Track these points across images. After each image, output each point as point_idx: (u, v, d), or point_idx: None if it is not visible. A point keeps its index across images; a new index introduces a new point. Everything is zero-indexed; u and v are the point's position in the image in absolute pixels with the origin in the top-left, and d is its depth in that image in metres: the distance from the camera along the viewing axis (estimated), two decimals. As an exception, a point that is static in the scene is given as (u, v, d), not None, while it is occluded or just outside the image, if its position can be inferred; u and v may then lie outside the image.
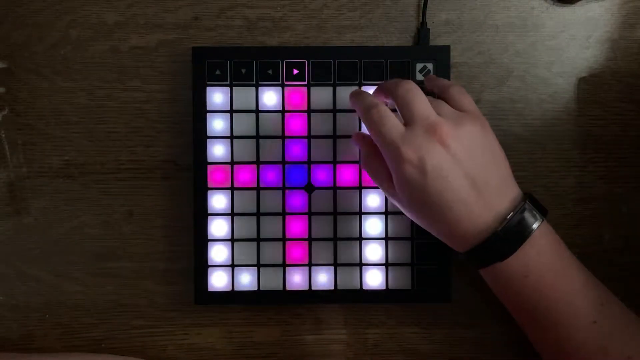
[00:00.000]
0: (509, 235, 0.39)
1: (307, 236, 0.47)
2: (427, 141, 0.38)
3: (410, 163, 0.38)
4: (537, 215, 0.39)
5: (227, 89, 0.47)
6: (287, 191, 0.47)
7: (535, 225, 0.39)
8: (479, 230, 0.39)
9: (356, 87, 0.47)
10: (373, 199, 0.47)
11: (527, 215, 0.39)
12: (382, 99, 0.43)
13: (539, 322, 0.41)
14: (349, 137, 0.47)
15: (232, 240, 0.47)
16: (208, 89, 0.47)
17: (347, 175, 0.47)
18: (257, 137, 0.47)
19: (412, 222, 0.47)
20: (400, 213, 0.47)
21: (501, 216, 0.39)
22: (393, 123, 0.39)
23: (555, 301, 0.39)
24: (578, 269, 0.41)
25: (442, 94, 0.42)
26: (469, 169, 0.38)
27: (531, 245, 0.39)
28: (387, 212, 0.47)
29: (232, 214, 0.47)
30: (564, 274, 0.40)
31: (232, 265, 0.47)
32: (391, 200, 0.43)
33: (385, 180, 0.41)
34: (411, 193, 0.39)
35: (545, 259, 0.39)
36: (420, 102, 0.39)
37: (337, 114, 0.47)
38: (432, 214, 0.40)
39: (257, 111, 0.47)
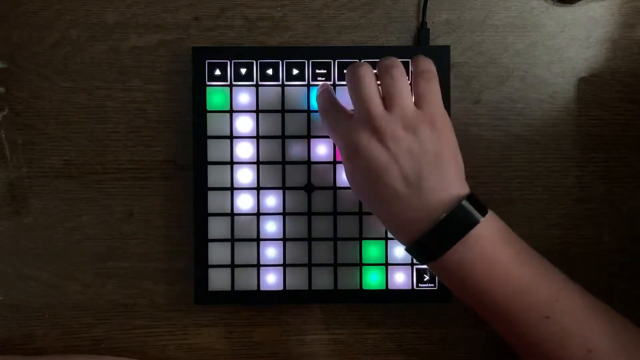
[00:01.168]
0: (440, 236, 0.39)
1: (307, 236, 0.47)
2: (367, 137, 0.40)
3: (349, 158, 0.41)
4: (473, 217, 0.39)
5: (227, 89, 0.47)
6: (287, 191, 0.47)
7: (469, 226, 0.38)
8: (414, 229, 0.39)
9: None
10: (373, 199, 0.47)
11: (461, 217, 0.38)
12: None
13: (492, 317, 0.41)
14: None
15: (232, 240, 0.47)
16: (208, 89, 0.47)
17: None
18: (257, 137, 0.47)
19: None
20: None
21: (434, 217, 0.39)
22: (340, 114, 0.42)
23: (502, 299, 0.39)
24: (528, 266, 0.40)
25: (413, 79, 0.41)
26: (405, 168, 0.39)
27: (465, 246, 0.38)
28: (387, 212, 0.47)
29: (232, 214, 0.47)
30: (508, 273, 0.39)
31: (232, 265, 0.47)
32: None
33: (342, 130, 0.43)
34: (353, 185, 0.42)
35: (484, 259, 0.39)
36: (365, 96, 0.40)
37: (337, 114, 0.47)
38: (374, 208, 0.42)
39: (257, 111, 0.47)
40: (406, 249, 0.41)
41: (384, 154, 0.39)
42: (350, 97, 0.41)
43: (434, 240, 0.39)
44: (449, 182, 0.40)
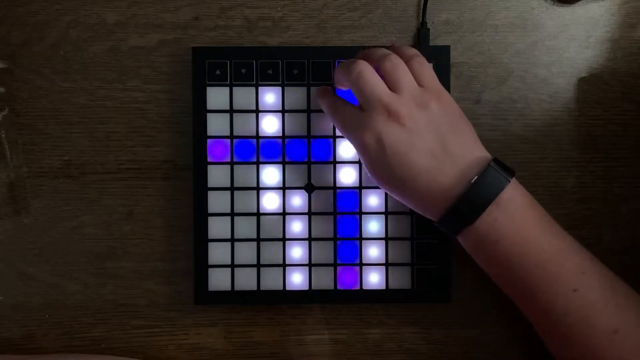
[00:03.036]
0: (474, 197, 0.39)
1: (307, 236, 0.47)
2: (384, 122, 0.40)
3: (370, 146, 0.40)
4: (503, 177, 0.40)
5: (227, 89, 0.47)
6: (287, 191, 0.47)
7: (501, 187, 0.39)
8: (446, 198, 0.40)
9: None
10: (373, 199, 0.47)
11: (491, 177, 0.39)
12: (337, 86, 0.45)
13: (518, 289, 0.41)
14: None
15: (232, 240, 0.47)
16: (208, 89, 0.47)
17: (347, 175, 0.47)
18: (257, 137, 0.47)
19: (412, 222, 0.47)
20: (401, 213, 0.47)
21: (467, 181, 0.40)
22: (350, 110, 0.42)
23: (531, 267, 0.39)
24: (556, 234, 0.41)
25: (407, 64, 0.42)
26: (428, 142, 0.40)
27: (498, 208, 0.39)
28: (387, 212, 0.47)
29: (232, 214, 0.47)
30: (538, 239, 0.40)
31: (232, 265, 0.47)
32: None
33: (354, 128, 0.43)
34: (378, 173, 0.41)
35: (515, 222, 0.40)
36: (372, 84, 0.40)
37: (337, 114, 0.47)
38: (400, 188, 0.41)
39: (257, 111, 0.47)
40: (438, 222, 0.41)
41: (404, 133, 0.40)
42: (355, 92, 0.41)
43: (469, 203, 0.39)
44: (472, 146, 0.41)
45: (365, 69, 0.41)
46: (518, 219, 0.40)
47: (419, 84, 0.41)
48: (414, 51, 0.43)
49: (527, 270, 0.40)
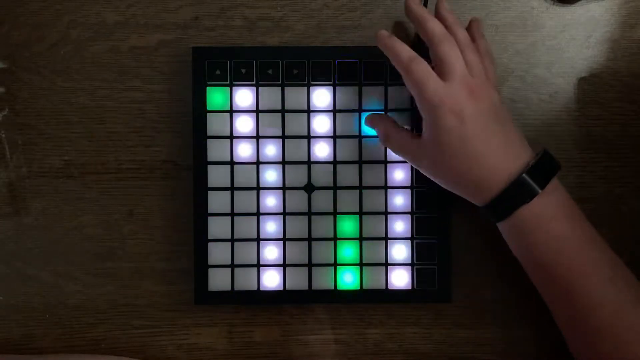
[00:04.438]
0: (535, 176, 0.41)
1: (307, 236, 0.47)
2: (465, 96, 0.41)
3: (452, 113, 0.41)
4: (556, 162, 0.42)
5: (227, 89, 0.47)
6: (287, 191, 0.47)
7: (554, 171, 0.42)
8: (503, 179, 0.41)
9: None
10: (373, 199, 0.47)
11: (549, 160, 0.42)
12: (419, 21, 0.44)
13: (554, 278, 0.42)
14: (349, 137, 0.47)
15: (232, 240, 0.47)
16: (208, 89, 0.47)
17: (347, 175, 0.47)
18: (257, 137, 0.47)
19: (412, 222, 0.47)
20: (401, 213, 0.47)
21: (527, 161, 0.42)
22: (434, 78, 0.42)
23: (574, 250, 0.41)
24: (590, 227, 0.42)
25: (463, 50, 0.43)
26: (497, 124, 0.42)
27: (554, 190, 0.42)
28: (388, 212, 0.47)
29: (232, 214, 0.47)
30: (583, 224, 0.42)
31: (232, 265, 0.47)
32: (417, 167, 0.45)
33: (409, 150, 0.44)
34: (449, 144, 0.41)
35: (565, 205, 0.42)
36: (460, 64, 0.42)
37: (337, 114, 0.47)
38: (464, 165, 0.42)
39: (257, 111, 0.47)
40: (488, 205, 0.42)
41: (482, 112, 0.41)
42: (435, 53, 0.42)
43: (524, 186, 0.41)
44: (523, 137, 0.43)
45: (454, 45, 0.42)
46: (565, 205, 0.42)
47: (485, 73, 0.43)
48: (482, 38, 0.45)
49: (566, 255, 0.41)
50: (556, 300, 0.43)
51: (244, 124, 0.47)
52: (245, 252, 0.47)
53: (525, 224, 0.42)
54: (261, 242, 0.47)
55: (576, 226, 0.42)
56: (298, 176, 0.47)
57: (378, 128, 0.46)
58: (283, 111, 0.47)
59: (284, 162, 0.47)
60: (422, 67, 0.42)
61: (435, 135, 0.42)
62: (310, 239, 0.47)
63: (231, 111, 0.47)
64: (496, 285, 0.49)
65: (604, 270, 0.41)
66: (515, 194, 0.41)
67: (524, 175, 0.41)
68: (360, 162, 0.47)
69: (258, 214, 0.47)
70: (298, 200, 0.47)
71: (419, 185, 0.47)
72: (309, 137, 0.47)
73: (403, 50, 0.42)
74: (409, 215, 0.47)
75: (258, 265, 0.47)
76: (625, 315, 0.40)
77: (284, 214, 0.47)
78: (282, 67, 0.47)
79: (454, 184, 0.43)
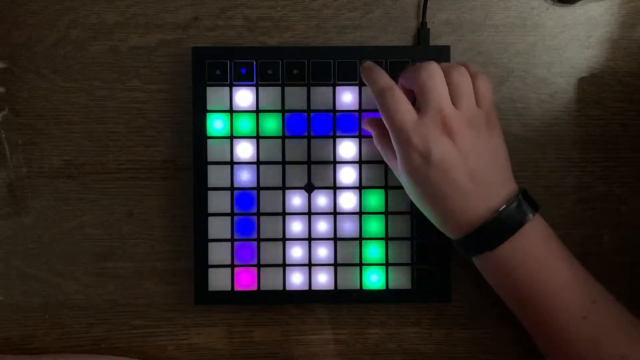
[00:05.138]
0: (499, 226, 0.40)
1: (307, 236, 0.47)
2: (436, 133, 0.40)
3: (416, 152, 0.40)
4: (529, 210, 0.41)
5: (227, 89, 0.47)
6: (287, 191, 0.47)
7: (525, 219, 0.40)
8: (472, 220, 0.40)
9: (375, 66, 0.47)
10: (373, 199, 0.47)
11: (517, 209, 0.40)
12: (402, 81, 0.43)
13: (529, 314, 0.42)
14: (348, 137, 0.47)
15: (232, 240, 0.47)
16: (208, 89, 0.47)
17: (347, 175, 0.47)
18: (257, 137, 0.47)
19: (412, 222, 0.47)
20: (401, 213, 0.47)
21: (494, 209, 0.40)
22: (406, 109, 0.40)
23: (543, 293, 0.40)
24: (569, 264, 0.41)
25: (473, 79, 0.42)
26: (471, 164, 0.40)
27: (520, 238, 0.40)
28: (388, 212, 0.47)
29: (232, 214, 0.47)
30: (553, 268, 0.41)
31: (232, 265, 0.47)
32: (398, 178, 0.44)
33: (393, 160, 0.43)
34: (414, 179, 0.41)
35: (533, 252, 0.40)
36: (438, 93, 0.40)
37: (337, 114, 0.47)
38: (430, 201, 0.41)
39: (257, 111, 0.47)
40: (459, 241, 0.42)
41: (453, 150, 0.40)
42: (419, 92, 0.41)
43: (494, 230, 0.40)
44: (506, 176, 0.42)
45: (435, 74, 0.40)
46: (538, 248, 0.41)
47: (477, 103, 0.41)
48: (479, 68, 0.43)
49: (540, 297, 0.40)
50: (532, 332, 0.43)
51: (244, 124, 0.47)
52: (245, 252, 0.47)
53: (489, 266, 0.42)
54: (261, 242, 0.47)
55: (547, 268, 0.40)
56: (298, 176, 0.47)
57: (372, 132, 0.45)
58: (283, 111, 0.47)
59: (284, 162, 0.47)
60: (395, 96, 0.41)
61: (402, 167, 0.41)
62: (310, 239, 0.47)
63: (231, 111, 0.47)
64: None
65: (578, 309, 0.40)
66: (476, 242, 0.41)
67: (486, 223, 0.40)
68: (360, 162, 0.47)
69: (258, 214, 0.47)
70: (298, 200, 0.47)
71: (419, 185, 0.47)
72: (309, 136, 0.47)
73: (381, 77, 0.42)
74: (409, 216, 0.47)
75: (258, 265, 0.47)
76: (602, 346, 0.39)
77: (284, 214, 0.47)
78: (282, 67, 0.47)
79: (423, 211, 0.43)
